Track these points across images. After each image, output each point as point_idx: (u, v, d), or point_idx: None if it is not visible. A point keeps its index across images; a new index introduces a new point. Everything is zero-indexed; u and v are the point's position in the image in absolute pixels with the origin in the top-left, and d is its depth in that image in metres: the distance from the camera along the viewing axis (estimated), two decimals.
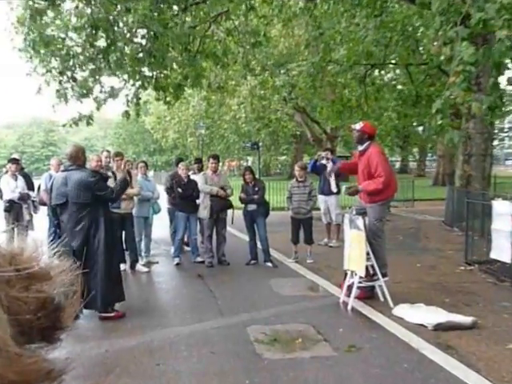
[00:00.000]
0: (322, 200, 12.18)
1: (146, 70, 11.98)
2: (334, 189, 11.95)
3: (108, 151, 11.25)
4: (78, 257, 6.58)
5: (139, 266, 9.95)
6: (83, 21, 10.54)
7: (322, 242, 12.21)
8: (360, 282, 7.16)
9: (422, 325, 6.16)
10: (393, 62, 16.87)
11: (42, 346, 0.70)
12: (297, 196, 10.42)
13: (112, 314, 6.76)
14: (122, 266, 9.77)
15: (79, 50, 11.60)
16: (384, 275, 7.29)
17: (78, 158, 6.89)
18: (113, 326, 6.48)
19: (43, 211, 11.00)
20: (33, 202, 10.99)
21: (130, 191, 9.73)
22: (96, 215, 6.68)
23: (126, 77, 11.48)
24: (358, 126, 7.60)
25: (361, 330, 6.17)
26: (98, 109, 12.16)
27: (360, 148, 7.51)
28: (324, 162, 11.93)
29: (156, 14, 10.34)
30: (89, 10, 10.47)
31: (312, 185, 10.66)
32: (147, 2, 9.64)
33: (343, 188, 7.73)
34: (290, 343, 5.70)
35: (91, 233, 6.64)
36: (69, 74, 11.86)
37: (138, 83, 12.09)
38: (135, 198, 10.07)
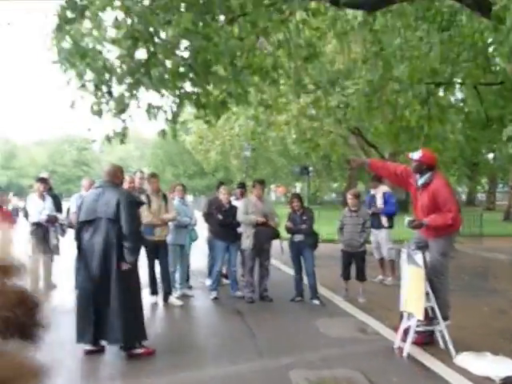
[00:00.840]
0: (372, 233, 12.08)
1: (186, 86, 12.09)
2: (384, 223, 11.91)
3: (142, 172, 11.42)
4: (96, 279, 6.69)
5: (172, 299, 9.97)
6: (122, 32, 10.74)
7: (376, 279, 12.07)
8: (418, 326, 7.01)
9: (487, 377, 5.98)
10: (460, 81, 16.69)
11: (21, 345, 0.70)
12: (349, 227, 10.34)
13: (141, 351, 6.77)
14: (154, 298, 9.87)
15: (117, 62, 11.80)
16: (445, 318, 7.13)
17: (115, 176, 7.06)
18: (141, 365, 6.48)
19: (72, 234, 11.17)
20: (61, 225, 11.19)
21: (165, 216, 9.84)
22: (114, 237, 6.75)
23: (164, 92, 11.60)
24: (416, 155, 7.46)
25: (417, 379, 6.03)
26: (124, 128, 12.30)
27: (420, 181, 7.38)
28: (372, 191, 12.10)
29: (201, 24, 10.46)
30: (129, 21, 10.67)
31: (367, 215, 10.58)
32: (190, 14, 9.76)
33: (405, 221, 7.58)
34: None
35: (116, 255, 6.69)
36: (104, 88, 12.06)
37: (177, 100, 12.21)
38: (170, 224, 10.14)
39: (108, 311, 6.68)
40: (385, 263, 12.29)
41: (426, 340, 7.26)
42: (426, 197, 7.27)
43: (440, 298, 7.15)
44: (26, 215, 11.72)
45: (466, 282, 12.68)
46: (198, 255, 12.30)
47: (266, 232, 10.24)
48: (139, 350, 6.76)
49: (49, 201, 11.17)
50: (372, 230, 11.91)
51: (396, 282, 10.53)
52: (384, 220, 11.91)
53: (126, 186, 10.08)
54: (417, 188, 7.46)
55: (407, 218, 7.55)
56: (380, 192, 12.16)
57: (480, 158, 32.39)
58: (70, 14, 9.82)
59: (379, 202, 12.01)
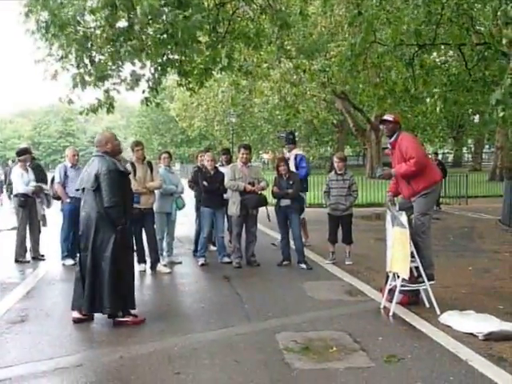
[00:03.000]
0: None
1: (169, 53, 11.98)
2: None
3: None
4: (85, 249, 6.78)
5: (160, 267, 10.01)
6: (102, 1, 10.58)
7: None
8: (403, 286, 7.08)
9: (471, 334, 6.07)
10: (444, 42, 16.60)
11: None
12: (335, 190, 10.35)
13: (128, 319, 6.80)
14: (142, 267, 9.91)
15: (98, 31, 11.65)
16: (430, 277, 7.21)
17: (102, 145, 6.98)
18: (129, 331, 6.52)
19: (57, 206, 11.13)
20: (46, 195, 11.11)
21: (150, 184, 9.82)
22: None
23: (145, 59, 11.48)
24: (390, 117, 7.68)
25: (403, 338, 6.10)
26: (107, 98, 12.18)
27: (391, 140, 7.56)
28: (287, 155, 11.96)
29: None
30: None
31: (353, 178, 10.57)
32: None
33: (377, 171, 7.68)
34: (323, 352, 5.66)
35: (100, 226, 6.70)
36: (86, 57, 11.93)
37: (160, 67, 12.12)
38: (156, 192, 10.12)
39: (96, 280, 6.69)
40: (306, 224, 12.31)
41: (412, 300, 7.34)
42: (397, 152, 7.43)
43: (424, 257, 7.23)
44: (11, 188, 11.66)
45: (451, 243, 12.83)
46: (186, 222, 12.30)
47: (253, 199, 10.23)
48: (127, 319, 6.79)
49: (31, 172, 11.07)
50: None
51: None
52: None
53: None
54: (391, 149, 7.56)
55: (379, 168, 7.68)
56: (292, 155, 12.03)
57: (466, 120, 32.45)
58: None
59: (291, 165, 11.89)
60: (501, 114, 6.98)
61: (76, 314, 6.87)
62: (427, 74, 16.15)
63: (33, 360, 5.60)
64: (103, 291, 6.64)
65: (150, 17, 9.65)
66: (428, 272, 7.19)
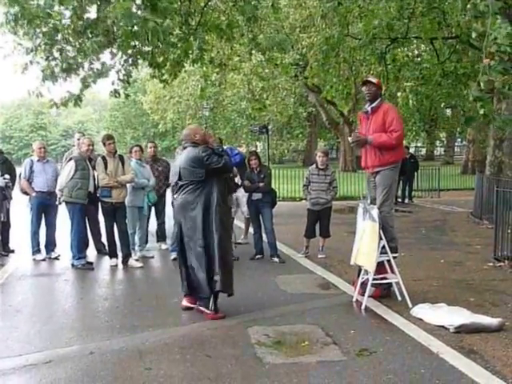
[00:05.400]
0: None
1: (140, 44, 11.88)
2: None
3: (81, 133, 11.30)
4: (187, 239, 6.84)
5: (132, 261, 9.92)
6: None
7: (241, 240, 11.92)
8: (374, 279, 7.09)
9: (442, 326, 6.10)
10: (416, 36, 16.69)
11: None
12: (315, 185, 10.28)
13: (207, 311, 6.76)
14: (114, 261, 9.84)
15: (67, 22, 11.52)
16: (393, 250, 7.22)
17: (191, 137, 6.97)
18: (99, 326, 6.46)
19: (24, 202, 10.91)
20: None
21: (122, 178, 9.74)
22: (209, 195, 6.72)
23: (115, 51, 11.38)
24: (374, 79, 7.61)
25: (374, 332, 6.11)
26: (85, 87, 12.04)
27: (372, 105, 7.39)
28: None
29: None
30: None
31: (334, 175, 10.52)
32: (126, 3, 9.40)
33: (351, 136, 7.59)
34: (294, 346, 5.65)
35: (204, 215, 6.71)
36: (56, 50, 11.80)
37: (130, 59, 12.03)
38: (128, 186, 10.03)
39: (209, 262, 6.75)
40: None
41: (384, 293, 7.37)
42: (376, 119, 7.31)
43: (388, 232, 7.21)
44: None
45: (423, 236, 12.91)
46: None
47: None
48: (207, 311, 6.75)
49: None
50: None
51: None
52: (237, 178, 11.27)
53: (84, 148, 9.96)
54: (367, 115, 7.45)
55: (353, 133, 7.65)
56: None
57: (439, 113, 32.67)
58: None
59: None
60: (481, 112, 6.96)
61: (185, 302, 6.98)
62: (399, 71, 16.25)
63: (1, 356, 5.52)
64: (216, 270, 6.69)
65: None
66: (391, 244, 7.19)
